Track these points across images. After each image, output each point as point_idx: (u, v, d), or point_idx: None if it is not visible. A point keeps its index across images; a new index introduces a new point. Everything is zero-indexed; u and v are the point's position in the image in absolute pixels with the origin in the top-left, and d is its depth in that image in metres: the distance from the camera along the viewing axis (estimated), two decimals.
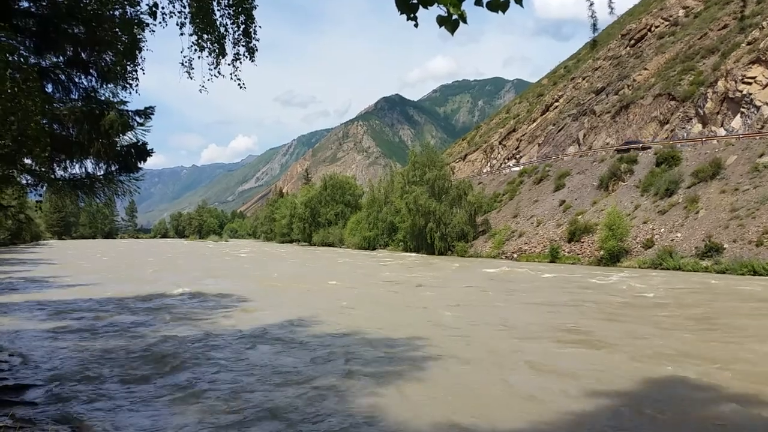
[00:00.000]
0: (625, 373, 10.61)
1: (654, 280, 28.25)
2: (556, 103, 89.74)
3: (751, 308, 19.05)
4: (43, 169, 10.07)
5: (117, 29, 8.53)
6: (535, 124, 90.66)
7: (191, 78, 8.34)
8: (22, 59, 7.70)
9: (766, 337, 14.09)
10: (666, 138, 52.98)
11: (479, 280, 30.40)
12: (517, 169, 70.89)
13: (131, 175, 11.05)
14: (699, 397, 9.34)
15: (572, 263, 40.35)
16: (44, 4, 9.05)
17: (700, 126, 50.98)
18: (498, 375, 10.72)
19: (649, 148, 49.91)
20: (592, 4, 4.12)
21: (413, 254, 57.98)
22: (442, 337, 14.22)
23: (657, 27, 77.94)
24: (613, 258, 37.56)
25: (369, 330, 15.03)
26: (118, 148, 10.54)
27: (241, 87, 8.63)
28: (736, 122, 47.01)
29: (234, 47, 8.39)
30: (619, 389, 9.61)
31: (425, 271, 36.69)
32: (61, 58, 9.61)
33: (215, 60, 8.35)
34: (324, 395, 9.22)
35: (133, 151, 10.75)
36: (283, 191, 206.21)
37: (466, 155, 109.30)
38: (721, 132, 47.59)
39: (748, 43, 50.27)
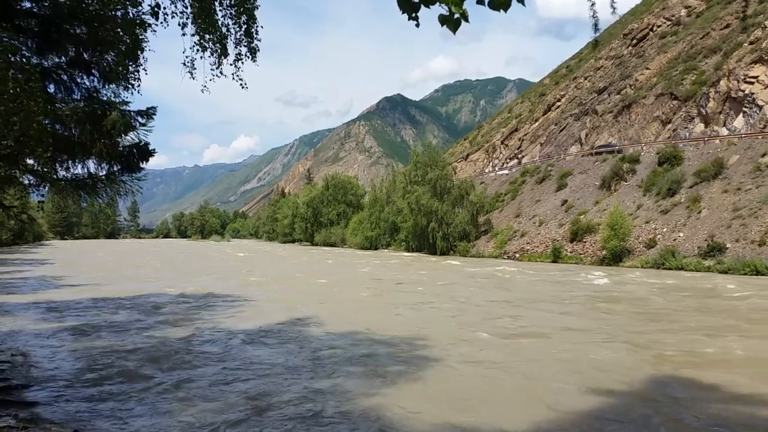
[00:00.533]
0: (552, 358, 11.86)
1: (626, 277, 28.53)
2: (558, 103, 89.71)
3: (701, 304, 19.70)
4: (45, 170, 10.08)
5: (119, 29, 8.55)
6: (537, 123, 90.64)
7: (193, 78, 8.38)
8: (24, 60, 7.71)
9: (694, 328, 15.07)
10: (668, 138, 52.93)
11: (459, 278, 30.90)
12: (502, 171, 72.32)
13: (133, 175, 11.06)
14: (605, 372, 10.70)
15: (575, 263, 40.30)
16: (46, 4, 9.07)
17: (702, 125, 50.91)
18: (427, 362, 11.48)
19: (620, 151, 51.24)
20: (593, 4, 4.13)
21: (415, 254, 57.99)
22: (394, 330, 15.02)
23: (659, 26, 77.83)
24: (615, 258, 37.52)
25: (335, 324, 15.86)
26: (121, 149, 10.56)
27: (243, 87, 8.66)
28: (739, 122, 46.94)
29: (236, 47, 8.43)
30: (543, 372, 10.67)
31: (414, 270, 36.94)
32: (63, 58, 9.62)
33: (217, 60, 8.38)
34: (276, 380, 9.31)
35: (135, 151, 10.76)
36: (285, 191, 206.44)
37: (468, 155, 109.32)
38: (724, 131, 47.52)
39: (751, 43, 50.19)
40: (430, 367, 11.00)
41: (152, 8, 7.95)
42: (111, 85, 9.93)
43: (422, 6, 3.20)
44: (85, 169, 10.63)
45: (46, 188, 11.22)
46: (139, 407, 8.65)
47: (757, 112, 45.61)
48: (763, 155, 37.36)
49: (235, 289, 25.37)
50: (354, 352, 12.37)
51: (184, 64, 8.22)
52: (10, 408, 8.26)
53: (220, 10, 8.22)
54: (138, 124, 10.34)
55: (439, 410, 8.54)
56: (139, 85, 9.32)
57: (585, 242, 42.04)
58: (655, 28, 78.36)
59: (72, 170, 10.56)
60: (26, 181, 11.03)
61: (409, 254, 58.87)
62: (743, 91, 47.10)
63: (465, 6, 3.12)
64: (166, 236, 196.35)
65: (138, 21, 8.59)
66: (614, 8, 4.34)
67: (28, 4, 9.04)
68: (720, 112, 49.31)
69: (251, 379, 10.13)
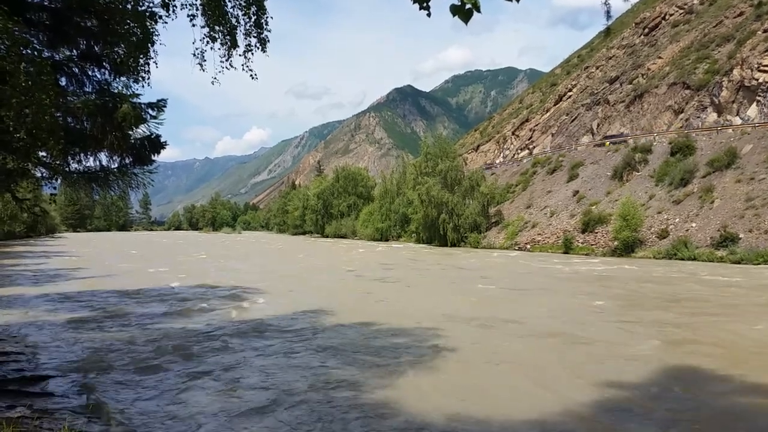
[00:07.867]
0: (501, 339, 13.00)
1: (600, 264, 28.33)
2: (570, 93, 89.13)
3: (657, 288, 20.95)
4: (57, 162, 10.11)
5: (129, 22, 8.55)
6: (548, 114, 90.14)
7: (204, 70, 8.40)
8: (35, 53, 7.74)
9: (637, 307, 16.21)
10: (681, 127, 52.49)
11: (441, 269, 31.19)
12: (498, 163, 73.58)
13: (145, 167, 11.06)
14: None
15: (586, 254, 40.12)
16: None
17: (715, 115, 50.42)
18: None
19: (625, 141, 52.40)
20: None
21: (425, 245, 57.95)
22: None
23: (671, 15, 77.07)
24: (627, 248, 37.31)
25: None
26: (132, 141, 10.54)
27: (252, 78, 8.66)
28: (752, 111, 46.44)
29: (246, 38, 8.42)
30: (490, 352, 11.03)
31: (405, 261, 36.87)
32: (74, 51, 9.62)
33: (227, 52, 8.39)
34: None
35: (146, 143, 10.75)
36: (296, 183, 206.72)
37: (478, 146, 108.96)
38: (737, 121, 47.06)
39: (765, 31, 49.56)
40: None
41: (162, 0, 7.95)
42: (122, 78, 9.93)
43: None
44: (97, 162, 10.63)
45: (59, 181, 11.26)
46: (152, 396, 8.71)
47: None
48: None
49: (254, 286, 25.45)
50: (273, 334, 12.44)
51: (195, 55, 8.23)
52: (25, 398, 8.34)
53: (229, 1, 8.22)
54: (149, 117, 10.32)
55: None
56: (149, 78, 9.33)
57: (597, 233, 41.84)
58: (667, 17, 77.63)
59: (84, 163, 10.56)
60: (38, 174, 11.08)
61: (418, 245, 58.84)
62: (757, 79, 46.58)
63: None
64: (178, 228, 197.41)
65: (148, 13, 8.59)
66: None
67: None
68: (733, 101, 48.79)
69: (278, 365, 10.17)
